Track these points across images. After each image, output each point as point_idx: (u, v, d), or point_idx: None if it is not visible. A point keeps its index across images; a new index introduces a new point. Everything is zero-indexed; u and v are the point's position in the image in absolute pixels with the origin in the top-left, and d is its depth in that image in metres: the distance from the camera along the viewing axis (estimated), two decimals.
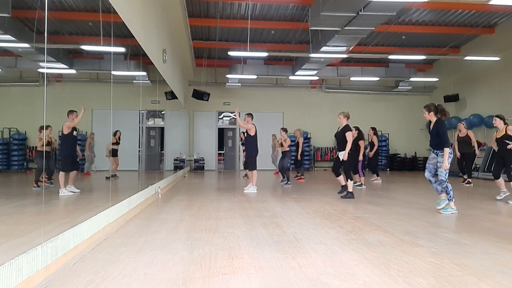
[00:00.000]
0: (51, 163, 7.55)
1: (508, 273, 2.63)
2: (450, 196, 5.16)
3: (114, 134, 9.90)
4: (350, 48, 11.09)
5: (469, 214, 5.15)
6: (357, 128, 8.67)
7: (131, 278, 2.52)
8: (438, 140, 5.22)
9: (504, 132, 6.57)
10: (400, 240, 3.58)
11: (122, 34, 5.57)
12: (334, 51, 11.06)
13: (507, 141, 6.48)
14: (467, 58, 12.52)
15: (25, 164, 12.33)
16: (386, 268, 2.71)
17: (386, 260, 2.91)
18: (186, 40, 10.56)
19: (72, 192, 6.82)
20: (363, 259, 2.94)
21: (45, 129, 7.13)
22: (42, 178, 7.62)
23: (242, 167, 14.04)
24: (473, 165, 12.82)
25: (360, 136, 8.83)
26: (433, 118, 5.32)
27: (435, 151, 5.32)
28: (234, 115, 9.36)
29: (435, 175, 5.36)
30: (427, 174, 5.42)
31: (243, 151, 12.15)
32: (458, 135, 9.68)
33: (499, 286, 2.37)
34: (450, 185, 5.19)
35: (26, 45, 8.13)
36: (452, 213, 5.11)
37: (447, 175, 5.16)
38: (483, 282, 2.44)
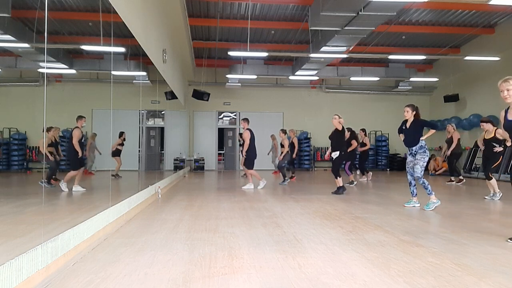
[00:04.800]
0: (54, 164, 7.67)
1: (508, 273, 2.63)
2: (429, 191, 5.38)
3: (120, 136, 10.04)
4: (350, 48, 11.09)
5: (469, 214, 5.15)
6: (349, 129, 9.07)
7: (131, 278, 2.52)
8: (416, 136, 5.50)
9: (493, 135, 6.81)
10: (400, 240, 3.58)
11: (122, 34, 5.57)
12: (334, 51, 11.06)
13: (494, 144, 6.67)
14: (467, 58, 12.53)
15: (25, 164, 12.33)
16: (386, 268, 2.71)
17: (386, 260, 2.91)
18: (186, 40, 10.55)
19: (78, 191, 7.05)
20: (363, 259, 2.94)
21: (49, 130, 7.28)
22: (43, 178, 7.70)
23: (241, 167, 14.05)
24: (473, 165, 12.90)
25: (352, 136, 9.34)
26: (411, 117, 5.64)
27: (411, 150, 5.57)
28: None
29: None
30: (408, 177, 5.70)
31: (241, 151, 12.22)
32: (447, 136, 9.87)
33: (499, 286, 2.37)
34: (426, 180, 5.41)
35: (26, 45, 8.13)
36: (436, 206, 5.29)
37: (422, 172, 5.41)
38: (483, 282, 2.44)
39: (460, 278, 2.51)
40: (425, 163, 5.45)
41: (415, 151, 5.51)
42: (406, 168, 5.72)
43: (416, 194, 5.71)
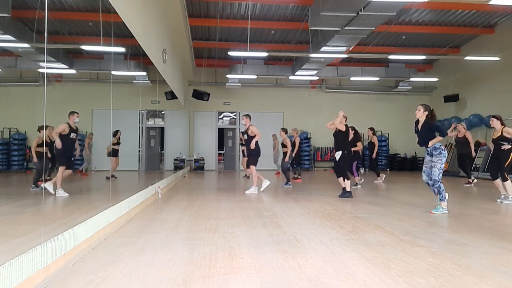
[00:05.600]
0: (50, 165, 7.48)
1: (508, 273, 2.63)
2: (442, 196, 5.20)
3: (115, 135, 9.91)
4: (350, 48, 11.09)
5: (469, 214, 5.15)
6: (353, 128, 8.67)
7: (131, 278, 2.52)
8: (427, 137, 5.34)
9: (500, 133, 6.60)
10: (400, 240, 3.58)
11: (122, 34, 5.57)
12: (334, 51, 11.06)
13: (502, 142, 6.52)
14: (467, 58, 12.53)
15: (25, 164, 12.33)
16: (386, 268, 2.71)
17: (386, 260, 2.91)
18: (186, 40, 10.56)
19: (61, 196, 6.42)
20: (363, 259, 2.94)
21: (45, 129, 7.09)
22: (42, 178, 7.60)
23: (242, 167, 14.04)
24: (473, 165, 12.87)
25: (357, 137, 8.88)
26: (423, 117, 5.45)
27: (428, 150, 5.39)
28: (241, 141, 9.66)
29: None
30: (424, 177, 5.50)
31: (242, 151, 12.21)
32: (457, 135, 9.69)
33: (499, 286, 2.37)
34: (442, 185, 5.23)
35: (26, 45, 8.14)
36: (443, 213, 5.13)
37: (440, 175, 5.23)
38: (483, 282, 2.44)
39: (460, 278, 2.51)
40: (443, 165, 5.24)
41: (430, 152, 5.34)
42: (423, 168, 5.53)
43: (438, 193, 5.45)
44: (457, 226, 4.35)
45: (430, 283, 2.41)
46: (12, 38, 7.69)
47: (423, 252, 3.16)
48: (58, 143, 6.61)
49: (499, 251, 3.19)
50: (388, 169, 16.35)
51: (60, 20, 9.96)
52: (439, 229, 4.15)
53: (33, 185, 7.18)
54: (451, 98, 14.69)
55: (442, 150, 5.26)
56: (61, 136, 6.67)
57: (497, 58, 12.04)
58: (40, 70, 11.34)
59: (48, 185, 6.55)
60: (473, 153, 9.43)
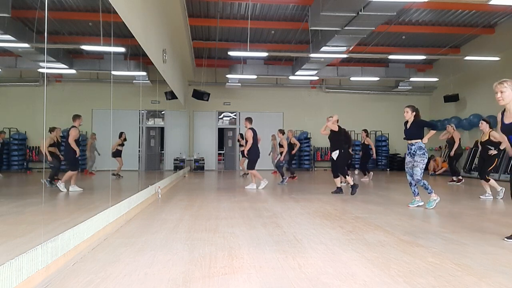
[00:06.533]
0: (57, 164, 7.76)
1: (508, 273, 2.63)
2: (429, 190, 5.48)
3: (120, 136, 10.10)
4: (350, 48, 11.09)
5: (469, 214, 5.15)
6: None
7: (131, 278, 2.52)
8: (415, 134, 5.60)
9: (487, 137, 6.88)
10: (400, 240, 3.58)
11: (122, 34, 5.56)
12: (334, 51, 11.06)
13: (489, 147, 6.78)
14: (467, 58, 12.52)
15: (25, 164, 12.33)
16: (386, 268, 2.71)
17: (386, 260, 2.91)
18: (186, 40, 10.55)
19: (76, 191, 7.11)
20: (363, 259, 2.94)
21: (52, 130, 7.34)
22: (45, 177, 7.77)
23: (241, 167, 14.05)
24: (473, 165, 12.89)
25: (345, 138, 9.18)
26: (411, 118, 5.74)
27: (410, 150, 5.61)
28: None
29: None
30: (408, 177, 5.78)
31: (241, 152, 12.32)
32: (447, 136, 9.90)
33: (499, 286, 2.37)
34: (425, 181, 5.49)
35: (26, 45, 8.13)
36: (436, 202, 5.43)
37: (421, 174, 5.50)
38: (483, 282, 2.44)
39: (460, 278, 2.51)
40: (424, 165, 5.52)
41: (414, 151, 5.54)
42: (405, 169, 5.77)
43: (418, 193, 5.76)
44: (457, 226, 4.35)
45: (430, 283, 2.41)
46: (12, 38, 7.69)
47: (423, 252, 3.16)
48: (75, 147, 7.17)
49: (499, 251, 3.19)
50: (388, 169, 16.36)
51: (60, 20, 9.94)
52: (439, 229, 4.15)
53: (52, 182, 7.62)
54: (451, 98, 14.69)
55: (426, 151, 5.53)
56: (68, 140, 7.09)
57: (497, 58, 12.04)
58: (40, 70, 11.31)
59: (73, 187, 7.14)
60: (452, 153, 9.77)
